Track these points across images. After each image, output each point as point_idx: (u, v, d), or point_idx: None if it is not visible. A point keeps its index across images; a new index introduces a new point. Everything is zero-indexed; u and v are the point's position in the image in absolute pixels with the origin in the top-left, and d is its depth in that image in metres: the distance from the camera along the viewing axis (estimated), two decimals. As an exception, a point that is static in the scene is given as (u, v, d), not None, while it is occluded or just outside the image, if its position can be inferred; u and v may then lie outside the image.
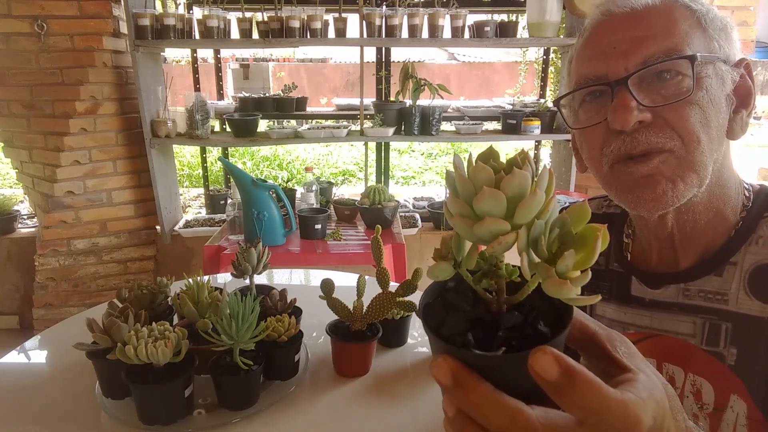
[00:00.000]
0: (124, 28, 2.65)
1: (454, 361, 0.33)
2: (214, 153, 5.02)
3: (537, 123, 2.73)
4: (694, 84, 0.60)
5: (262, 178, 3.42)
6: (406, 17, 2.56)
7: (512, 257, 0.34)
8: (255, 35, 2.66)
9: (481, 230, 0.32)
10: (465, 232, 0.33)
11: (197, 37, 2.63)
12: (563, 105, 0.71)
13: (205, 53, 4.56)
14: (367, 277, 1.10)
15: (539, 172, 0.34)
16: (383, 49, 2.94)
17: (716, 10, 0.64)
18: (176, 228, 2.87)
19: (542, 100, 3.23)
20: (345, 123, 2.97)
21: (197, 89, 3.11)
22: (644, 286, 0.72)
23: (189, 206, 3.66)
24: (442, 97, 2.74)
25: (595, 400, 0.31)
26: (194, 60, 3.18)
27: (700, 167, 0.61)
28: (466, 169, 0.34)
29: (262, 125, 3.14)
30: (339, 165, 6.72)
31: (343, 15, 2.63)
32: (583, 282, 0.32)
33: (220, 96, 3.29)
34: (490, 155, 0.35)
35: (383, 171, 3.14)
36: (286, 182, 3.06)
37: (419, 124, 2.73)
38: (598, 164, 0.67)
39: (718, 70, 0.62)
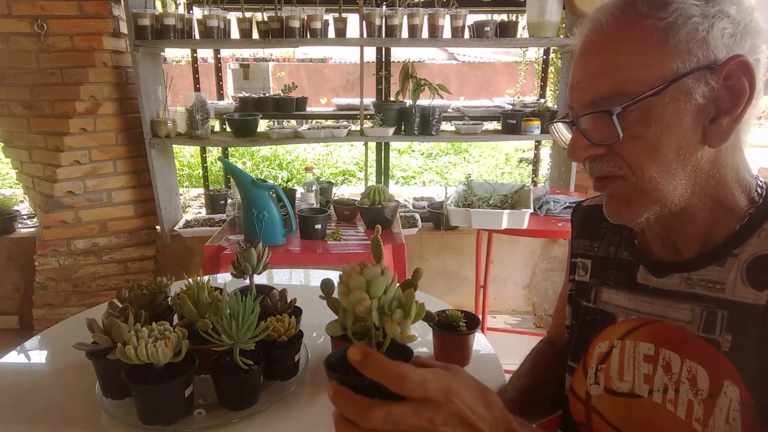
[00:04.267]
0: (124, 28, 2.65)
1: (335, 382, 0.54)
2: (214, 153, 5.02)
3: (537, 123, 2.73)
4: (619, 131, 0.63)
5: (262, 178, 3.42)
6: (406, 17, 2.56)
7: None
8: (255, 35, 2.66)
9: (349, 300, 0.55)
10: (344, 302, 0.56)
11: (197, 37, 2.63)
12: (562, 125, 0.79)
13: (205, 53, 4.56)
14: (367, 277, 1.10)
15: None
16: (383, 49, 2.94)
17: (696, 9, 0.60)
18: (176, 228, 2.87)
19: (542, 100, 3.23)
20: (345, 123, 2.96)
21: (197, 89, 3.11)
22: (650, 274, 0.74)
23: (189, 206, 3.66)
24: (442, 97, 2.74)
25: (380, 367, 0.50)
26: (194, 60, 3.18)
27: (654, 191, 0.65)
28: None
29: (262, 125, 3.14)
30: (339, 165, 6.72)
31: (343, 15, 2.63)
32: (404, 327, 0.55)
33: (220, 96, 3.29)
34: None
35: (383, 171, 3.14)
36: (286, 182, 3.06)
37: (419, 124, 2.73)
38: (590, 177, 0.74)
39: (681, 87, 0.61)
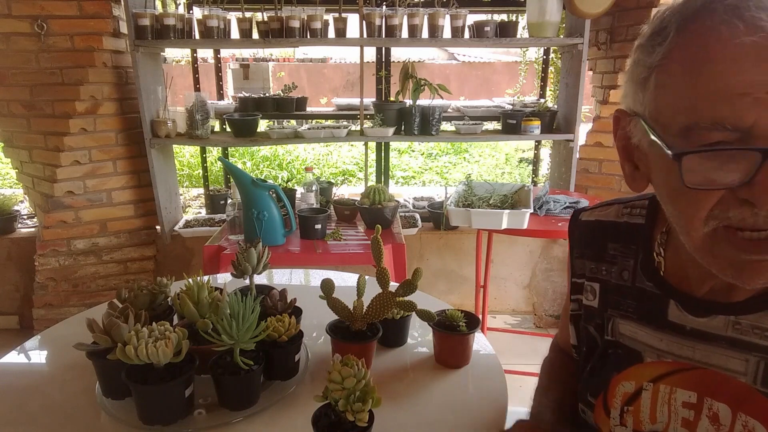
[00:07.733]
0: (124, 28, 2.65)
1: None
2: (214, 153, 5.02)
3: (537, 123, 2.73)
4: None
5: (262, 178, 3.42)
6: (406, 17, 2.56)
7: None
8: (255, 35, 2.66)
9: (330, 386, 0.78)
10: (328, 383, 0.79)
11: (197, 37, 2.63)
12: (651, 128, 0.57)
13: (205, 53, 4.57)
14: (367, 277, 1.10)
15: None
16: (383, 49, 2.94)
17: (640, 40, 0.57)
18: (176, 228, 2.87)
19: (542, 100, 3.23)
20: (345, 123, 2.96)
21: (197, 89, 3.11)
22: (685, 312, 0.66)
23: (189, 206, 3.66)
24: (442, 97, 2.74)
25: None
26: (194, 60, 3.18)
27: None
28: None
29: (262, 125, 3.14)
30: (339, 165, 6.72)
31: (343, 15, 2.63)
32: (358, 417, 0.76)
33: (220, 96, 3.29)
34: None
35: (383, 171, 3.14)
36: (286, 182, 3.07)
37: (419, 124, 2.73)
38: (697, 224, 0.55)
39: None
